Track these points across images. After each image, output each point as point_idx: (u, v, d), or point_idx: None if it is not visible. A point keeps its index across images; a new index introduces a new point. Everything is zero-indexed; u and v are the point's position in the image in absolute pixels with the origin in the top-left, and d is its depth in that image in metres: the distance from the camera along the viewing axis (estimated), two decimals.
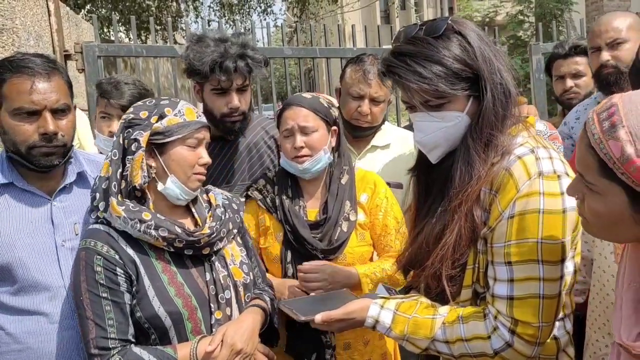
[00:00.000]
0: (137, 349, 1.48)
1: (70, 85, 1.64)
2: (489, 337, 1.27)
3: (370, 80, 2.29)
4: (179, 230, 1.54)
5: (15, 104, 1.52)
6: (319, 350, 1.86)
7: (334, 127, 1.95)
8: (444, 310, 1.34)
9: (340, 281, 1.82)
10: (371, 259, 2.03)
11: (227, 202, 1.74)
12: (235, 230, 1.71)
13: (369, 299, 1.45)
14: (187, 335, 1.54)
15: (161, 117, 1.56)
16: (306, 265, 1.81)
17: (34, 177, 1.62)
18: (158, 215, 1.55)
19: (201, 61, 2.06)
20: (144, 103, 1.61)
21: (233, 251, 1.70)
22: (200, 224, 1.63)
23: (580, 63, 2.79)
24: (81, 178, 1.71)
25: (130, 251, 1.53)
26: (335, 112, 1.96)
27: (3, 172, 1.60)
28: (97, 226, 1.55)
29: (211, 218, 1.64)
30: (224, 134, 2.23)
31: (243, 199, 1.87)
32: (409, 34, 1.34)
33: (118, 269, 1.50)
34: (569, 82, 2.81)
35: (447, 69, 1.28)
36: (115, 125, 2.34)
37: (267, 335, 1.73)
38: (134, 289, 1.51)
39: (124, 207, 1.51)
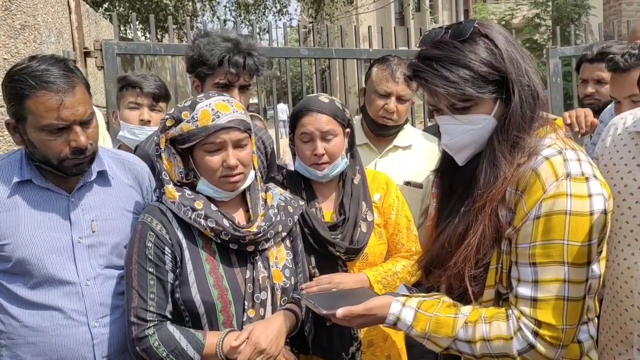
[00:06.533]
0: (171, 327, 1.55)
1: (88, 87, 1.63)
2: (512, 338, 1.26)
3: (398, 79, 2.33)
4: (226, 223, 1.58)
5: (44, 121, 1.50)
6: (346, 345, 1.85)
7: (348, 129, 1.95)
8: (466, 309, 1.33)
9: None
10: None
11: (283, 203, 1.74)
12: (284, 234, 1.72)
13: (390, 296, 1.45)
14: (219, 326, 1.58)
15: (177, 121, 1.59)
16: (313, 282, 1.78)
17: (53, 175, 1.62)
18: (212, 205, 1.60)
19: (211, 52, 2.07)
20: (182, 102, 1.65)
21: (278, 254, 1.70)
22: (252, 220, 1.65)
23: (604, 70, 2.73)
24: (102, 176, 1.71)
25: (180, 234, 1.59)
26: (348, 113, 1.96)
27: (22, 170, 1.61)
28: (156, 204, 1.64)
29: (262, 217, 1.65)
30: None
31: (303, 203, 1.86)
32: (434, 38, 1.34)
33: (166, 248, 1.57)
34: (590, 88, 2.75)
35: (474, 72, 1.27)
36: (147, 114, 2.47)
37: (300, 343, 1.74)
38: (177, 271, 1.57)
39: (180, 194, 1.60)
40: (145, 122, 2.49)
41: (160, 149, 1.63)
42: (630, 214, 1.51)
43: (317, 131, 1.86)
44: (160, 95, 2.54)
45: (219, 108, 1.57)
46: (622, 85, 2.06)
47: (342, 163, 1.92)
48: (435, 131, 2.62)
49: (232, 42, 2.09)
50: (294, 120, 1.93)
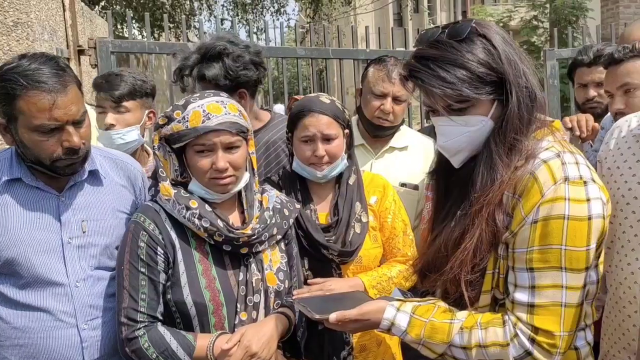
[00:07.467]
0: (161, 328, 1.53)
1: (80, 85, 1.60)
2: (508, 345, 1.24)
3: (394, 79, 2.32)
4: (220, 224, 1.56)
5: (37, 122, 1.46)
6: (337, 349, 1.83)
7: (347, 130, 1.93)
8: (462, 315, 1.31)
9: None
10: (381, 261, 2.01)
11: (279, 206, 1.72)
12: (279, 237, 1.70)
13: (385, 300, 1.42)
14: (210, 329, 1.57)
15: (170, 120, 1.57)
16: (304, 290, 1.75)
17: (43, 174, 1.59)
18: (206, 206, 1.58)
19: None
20: (179, 100, 1.63)
21: (273, 257, 1.68)
22: (247, 222, 1.63)
23: (603, 72, 2.68)
24: (93, 176, 1.69)
25: (173, 234, 1.58)
26: (347, 114, 1.94)
27: (11, 168, 1.59)
28: (150, 204, 1.63)
29: (257, 220, 1.63)
30: None
31: (299, 206, 1.83)
32: (431, 37, 1.31)
33: (159, 248, 1.55)
34: (592, 92, 2.67)
35: (471, 73, 1.25)
36: (110, 117, 2.32)
37: (292, 348, 1.72)
38: (169, 271, 1.56)
39: (176, 191, 1.58)
40: (109, 127, 2.32)
41: (155, 146, 1.61)
42: (634, 218, 1.49)
43: (318, 133, 1.83)
44: (124, 94, 2.33)
45: (210, 109, 1.54)
46: (615, 75, 2.04)
47: (341, 164, 1.91)
48: (430, 132, 2.61)
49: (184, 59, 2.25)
50: (295, 120, 1.89)
